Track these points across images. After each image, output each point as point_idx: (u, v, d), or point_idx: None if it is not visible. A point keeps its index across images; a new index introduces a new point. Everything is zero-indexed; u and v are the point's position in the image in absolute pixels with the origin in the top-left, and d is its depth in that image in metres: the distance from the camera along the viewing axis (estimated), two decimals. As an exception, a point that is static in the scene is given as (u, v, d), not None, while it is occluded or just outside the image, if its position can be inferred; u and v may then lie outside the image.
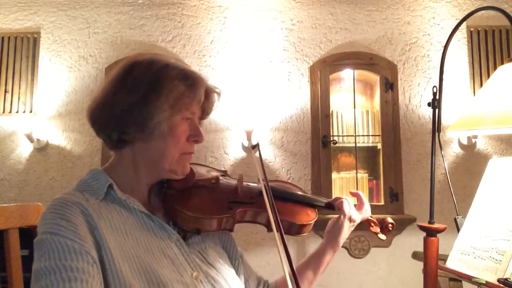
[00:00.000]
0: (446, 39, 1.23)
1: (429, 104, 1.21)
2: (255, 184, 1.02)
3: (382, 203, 2.73)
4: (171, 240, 0.82)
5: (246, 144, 2.78)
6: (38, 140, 2.81)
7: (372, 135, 2.85)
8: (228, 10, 2.91)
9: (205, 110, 0.93)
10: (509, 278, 0.87)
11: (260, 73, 2.84)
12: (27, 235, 1.00)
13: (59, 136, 2.86)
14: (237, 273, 0.94)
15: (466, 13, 1.49)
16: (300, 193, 1.07)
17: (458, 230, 1.08)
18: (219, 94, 0.94)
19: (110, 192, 0.82)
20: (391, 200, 2.71)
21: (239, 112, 2.76)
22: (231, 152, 2.81)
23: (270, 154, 2.80)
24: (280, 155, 2.81)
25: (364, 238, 2.68)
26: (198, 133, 0.87)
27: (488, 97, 1.13)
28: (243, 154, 2.81)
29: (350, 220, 1.01)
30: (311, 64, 2.86)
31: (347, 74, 2.93)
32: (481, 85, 2.74)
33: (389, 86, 2.80)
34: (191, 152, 0.88)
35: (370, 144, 2.87)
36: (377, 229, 1.08)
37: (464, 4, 2.87)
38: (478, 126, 1.11)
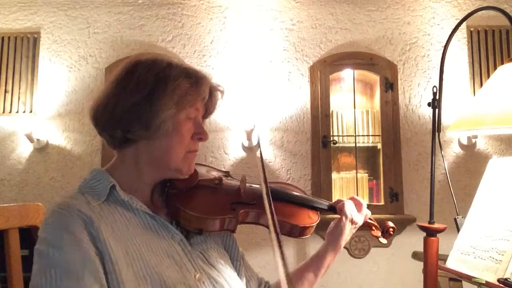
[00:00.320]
0: (446, 39, 1.23)
1: (429, 104, 1.21)
2: (258, 186, 1.02)
3: (382, 203, 2.73)
4: (175, 240, 0.82)
5: (246, 144, 2.78)
6: (38, 140, 2.81)
7: (372, 135, 2.85)
8: (228, 10, 2.91)
9: (208, 109, 0.92)
10: (509, 278, 0.87)
11: (260, 73, 2.84)
12: (27, 235, 0.99)
13: (59, 136, 2.86)
14: (238, 274, 0.94)
15: (466, 13, 1.49)
16: (302, 195, 1.06)
17: (458, 230, 1.08)
18: (222, 92, 0.94)
19: (112, 193, 0.81)
20: (391, 200, 2.71)
21: (239, 112, 2.76)
22: (231, 152, 2.81)
23: (270, 154, 2.80)
24: (280, 155, 2.81)
25: (364, 238, 2.68)
26: (202, 131, 0.88)
27: (488, 97, 1.13)
28: (243, 154, 2.81)
29: (352, 222, 1.01)
30: (311, 64, 2.86)
31: (347, 74, 2.93)
32: (481, 85, 2.74)
33: (389, 86, 2.80)
34: (196, 150, 0.88)
35: (370, 144, 2.87)
36: (378, 233, 1.08)
37: (464, 4, 2.87)
38: (478, 126, 1.11)
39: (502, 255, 0.92)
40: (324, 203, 1.05)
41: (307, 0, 2.91)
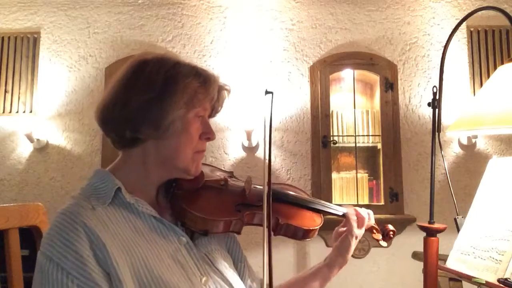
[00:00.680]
0: (446, 39, 1.23)
1: (429, 104, 1.21)
2: (262, 187, 1.02)
3: (382, 203, 2.73)
4: (181, 242, 0.82)
5: (246, 144, 2.78)
6: (38, 140, 2.81)
7: (372, 135, 2.85)
8: (228, 10, 2.91)
9: (215, 108, 0.92)
10: (509, 278, 0.87)
11: (260, 73, 2.84)
12: (27, 235, 1.00)
13: (59, 136, 2.86)
14: (241, 276, 0.94)
15: (466, 13, 1.49)
16: (306, 197, 1.06)
17: (458, 230, 1.08)
18: (229, 91, 0.93)
19: (117, 195, 0.80)
20: (391, 200, 2.71)
21: (239, 112, 2.76)
22: (231, 152, 2.81)
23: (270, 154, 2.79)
24: (280, 155, 2.81)
25: (364, 238, 2.68)
26: (210, 130, 0.87)
27: (488, 97, 1.13)
28: (243, 154, 2.81)
29: (357, 238, 1.03)
30: (311, 64, 2.86)
31: (347, 74, 2.93)
32: (481, 85, 2.74)
33: (389, 86, 2.80)
34: (203, 150, 0.88)
35: (370, 144, 2.87)
36: (379, 236, 1.09)
37: (464, 4, 2.87)
38: (478, 126, 1.11)
39: (502, 255, 0.92)
40: (330, 208, 1.05)
41: (307, 0, 2.91)
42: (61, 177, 2.83)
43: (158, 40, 2.90)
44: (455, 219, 1.12)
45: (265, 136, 0.75)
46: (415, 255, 2.05)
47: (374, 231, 1.10)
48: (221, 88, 0.91)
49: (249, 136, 2.72)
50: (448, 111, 2.47)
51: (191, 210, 0.84)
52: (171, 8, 2.93)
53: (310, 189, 2.74)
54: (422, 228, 1.11)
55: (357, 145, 2.83)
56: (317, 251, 2.71)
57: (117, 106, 0.80)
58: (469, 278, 0.95)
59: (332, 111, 2.84)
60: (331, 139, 2.78)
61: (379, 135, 2.80)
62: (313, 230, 0.97)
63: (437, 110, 1.19)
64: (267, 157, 0.76)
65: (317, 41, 2.88)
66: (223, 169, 1.09)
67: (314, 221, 1.00)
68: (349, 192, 2.80)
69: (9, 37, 2.93)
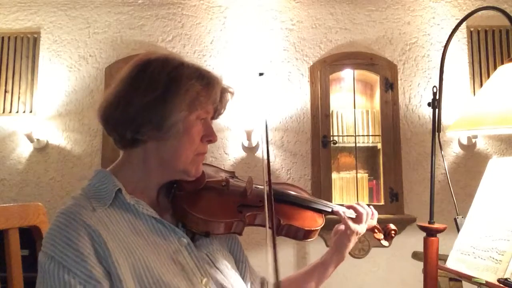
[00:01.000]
0: (446, 39, 1.23)
1: (429, 104, 1.21)
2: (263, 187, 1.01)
3: (382, 203, 2.73)
4: (181, 244, 0.81)
5: (246, 144, 2.78)
6: (38, 140, 2.81)
7: (372, 135, 2.85)
8: (228, 10, 2.91)
9: (217, 110, 0.91)
10: (509, 278, 0.87)
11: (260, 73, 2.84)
12: (27, 235, 0.99)
13: (59, 136, 2.86)
14: (243, 277, 0.93)
15: (466, 13, 1.49)
16: (308, 197, 1.06)
17: (458, 230, 1.08)
18: (232, 94, 0.93)
19: (118, 196, 0.80)
20: (391, 200, 2.71)
21: (239, 112, 2.75)
22: (231, 152, 2.81)
23: (270, 154, 2.80)
24: (280, 155, 2.81)
25: (364, 238, 2.68)
26: (212, 133, 0.87)
27: (488, 97, 1.13)
28: (243, 154, 2.81)
29: (357, 234, 1.03)
30: (311, 64, 2.86)
31: (347, 74, 2.92)
32: (481, 85, 2.74)
33: (389, 86, 2.80)
34: (205, 152, 0.88)
35: (370, 144, 2.87)
36: (380, 235, 1.10)
37: (464, 4, 2.87)
38: (478, 126, 1.11)
39: (502, 255, 0.92)
40: (327, 206, 1.05)
41: (307, 0, 2.91)
42: (61, 177, 2.83)
43: (158, 40, 2.90)
44: (455, 219, 1.12)
45: (263, 135, 0.74)
46: (415, 255, 2.05)
47: (376, 230, 1.10)
48: (224, 91, 0.90)
49: (249, 136, 2.72)
50: (448, 111, 2.47)
51: (192, 212, 0.84)
52: (171, 8, 2.93)
53: (310, 189, 2.74)
54: (422, 228, 1.11)
55: (357, 145, 2.83)
56: (317, 251, 2.70)
57: (120, 106, 0.80)
58: (469, 278, 0.95)
59: (332, 111, 2.84)
60: (331, 139, 2.78)
61: (379, 135, 2.80)
62: (314, 230, 0.97)
63: (437, 110, 1.19)
64: (265, 151, 0.76)
65: (317, 41, 2.88)
66: (225, 170, 1.09)
67: (315, 222, 1.00)
68: (349, 192, 2.80)
69: (9, 37, 2.93)
